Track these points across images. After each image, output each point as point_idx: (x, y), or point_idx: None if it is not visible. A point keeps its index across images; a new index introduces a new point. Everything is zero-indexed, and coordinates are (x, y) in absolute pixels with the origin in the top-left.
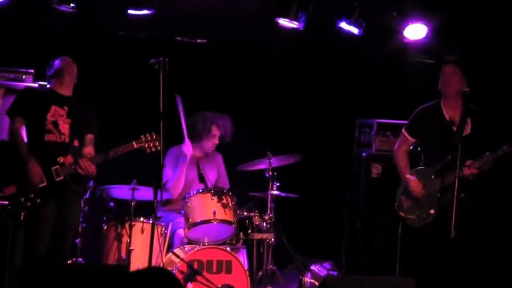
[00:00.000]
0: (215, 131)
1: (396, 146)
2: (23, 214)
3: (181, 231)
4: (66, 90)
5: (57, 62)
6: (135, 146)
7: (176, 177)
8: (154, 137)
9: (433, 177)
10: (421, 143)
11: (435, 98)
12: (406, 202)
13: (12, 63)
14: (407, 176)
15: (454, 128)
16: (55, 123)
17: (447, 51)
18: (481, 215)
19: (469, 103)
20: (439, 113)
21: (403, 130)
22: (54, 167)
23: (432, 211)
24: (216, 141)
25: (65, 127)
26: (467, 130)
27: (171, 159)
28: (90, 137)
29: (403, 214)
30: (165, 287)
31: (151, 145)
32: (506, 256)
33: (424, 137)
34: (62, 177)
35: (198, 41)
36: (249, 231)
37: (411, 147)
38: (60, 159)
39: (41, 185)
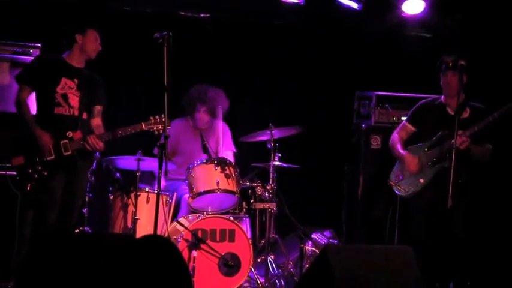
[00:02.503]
0: (199, 106)
1: (394, 132)
2: (29, 185)
3: (187, 197)
4: (78, 63)
5: (86, 37)
6: (144, 127)
7: None
8: (163, 119)
9: (426, 149)
10: (421, 130)
11: (432, 71)
12: (398, 176)
13: (19, 38)
14: (402, 152)
15: (452, 113)
16: (64, 96)
17: (444, 26)
18: (474, 185)
19: (466, 74)
20: (442, 106)
21: (404, 122)
22: (63, 141)
23: (422, 180)
24: (202, 115)
25: (74, 100)
26: (466, 114)
27: (172, 130)
28: (98, 108)
29: (392, 184)
30: (162, 254)
31: (160, 127)
32: (499, 225)
33: (424, 127)
34: (70, 152)
35: (202, 15)
36: (252, 200)
37: (409, 136)
38: (70, 134)
39: (48, 158)
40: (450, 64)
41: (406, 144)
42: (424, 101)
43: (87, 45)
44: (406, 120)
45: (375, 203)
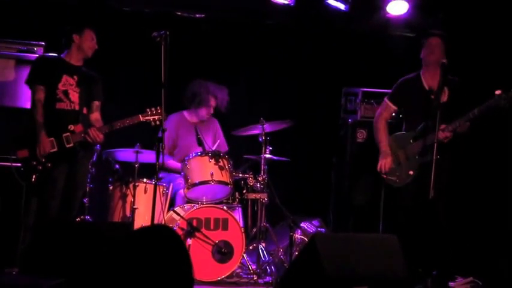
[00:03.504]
0: (212, 102)
1: (378, 113)
2: (34, 176)
3: (182, 191)
4: (77, 61)
5: (83, 36)
6: (141, 119)
7: None
8: (159, 111)
9: (411, 141)
10: (402, 111)
11: (415, 69)
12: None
13: (25, 37)
14: (383, 147)
15: (432, 96)
16: (66, 93)
17: (427, 25)
18: (456, 175)
19: (446, 73)
20: (419, 83)
21: (385, 99)
22: (65, 134)
23: (411, 172)
24: (211, 110)
25: (74, 96)
26: (445, 98)
27: (170, 125)
28: (97, 103)
29: (385, 176)
30: (167, 242)
31: (156, 118)
32: (480, 212)
33: (405, 106)
34: (71, 144)
35: (197, 15)
36: (244, 191)
37: (393, 115)
38: (71, 127)
39: (52, 150)
40: (435, 32)
41: (389, 126)
42: (403, 78)
43: (84, 44)
44: (388, 98)
45: (360, 193)
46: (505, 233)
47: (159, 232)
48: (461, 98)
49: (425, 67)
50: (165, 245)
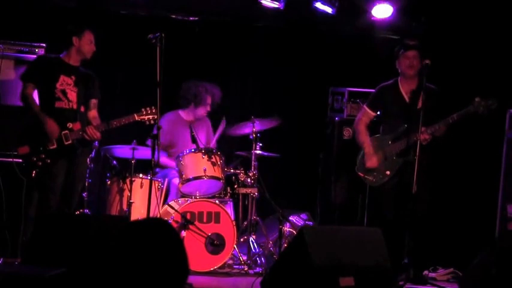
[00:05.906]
0: (209, 100)
1: (357, 118)
2: (34, 172)
3: (176, 180)
4: (75, 62)
5: (82, 39)
6: (136, 118)
7: None
8: (153, 111)
9: (389, 143)
10: (381, 115)
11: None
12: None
13: (26, 38)
14: (366, 147)
15: (408, 100)
16: (64, 92)
17: (410, 28)
18: (432, 174)
19: (428, 74)
20: (397, 90)
21: (364, 106)
22: (64, 132)
23: (388, 172)
24: (208, 108)
25: (72, 95)
26: (421, 103)
27: (166, 124)
28: (94, 101)
29: (362, 175)
30: (164, 235)
31: (151, 118)
32: (459, 207)
33: (383, 111)
34: (70, 142)
35: (191, 18)
36: (235, 186)
37: (371, 120)
38: (70, 125)
39: (51, 147)
40: (412, 44)
41: (369, 130)
42: (381, 85)
43: (83, 47)
44: (367, 105)
45: (345, 188)
46: (484, 226)
47: (156, 225)
48: (438, 105)
49: (404, 77)
50: (162, 237)
